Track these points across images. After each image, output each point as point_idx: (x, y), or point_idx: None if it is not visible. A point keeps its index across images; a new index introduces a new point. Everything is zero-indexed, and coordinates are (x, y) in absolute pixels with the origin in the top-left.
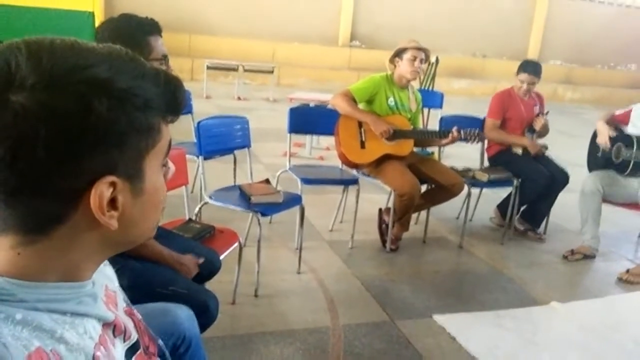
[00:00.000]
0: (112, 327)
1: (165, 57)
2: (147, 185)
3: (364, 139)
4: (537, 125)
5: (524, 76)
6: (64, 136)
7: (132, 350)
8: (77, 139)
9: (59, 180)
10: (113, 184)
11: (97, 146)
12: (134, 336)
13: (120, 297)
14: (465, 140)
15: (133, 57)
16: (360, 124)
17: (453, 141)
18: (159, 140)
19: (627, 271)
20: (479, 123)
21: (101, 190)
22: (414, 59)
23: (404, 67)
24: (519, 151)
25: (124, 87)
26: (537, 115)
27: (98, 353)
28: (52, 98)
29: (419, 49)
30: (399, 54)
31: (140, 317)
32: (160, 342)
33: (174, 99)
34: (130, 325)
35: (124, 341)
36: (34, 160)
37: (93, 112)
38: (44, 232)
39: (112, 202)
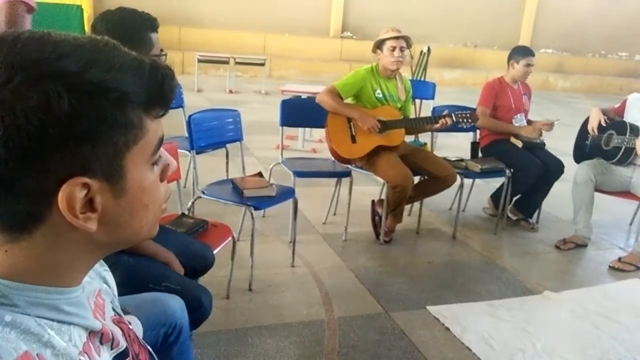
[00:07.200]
0: (99, 336)
1: (162, 52)
2: (131, 184)
3: (354, 133)
4: (546, 128)
5: (530, 59)
6: (24, 134)
7: (120, 358)
8: (39, 137)
9: (25, 180)
10: (86, 185)
11: (62, 144)
12: (122, 344)
13: (109, 306)
14: (458, 123)
15: (112, 47)
16: (349, 119)
17: (444, 125)
18: (142, 136)
19: (619, 259)
20: None
21: (71, 192)
22: (393, 48)
23: (385, 58)
24: (519, 143)
25: (94, 80)
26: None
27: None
28: (11, 94)
29: (398, 37)
30: (379, 45)
31: (130, 325)
32: (151, 350)
33: (160, 91)
34: (118, 333)
35: (112, 349)
36: None
37: (54, 108)
38: (26, 231)
39: (91, 203)
